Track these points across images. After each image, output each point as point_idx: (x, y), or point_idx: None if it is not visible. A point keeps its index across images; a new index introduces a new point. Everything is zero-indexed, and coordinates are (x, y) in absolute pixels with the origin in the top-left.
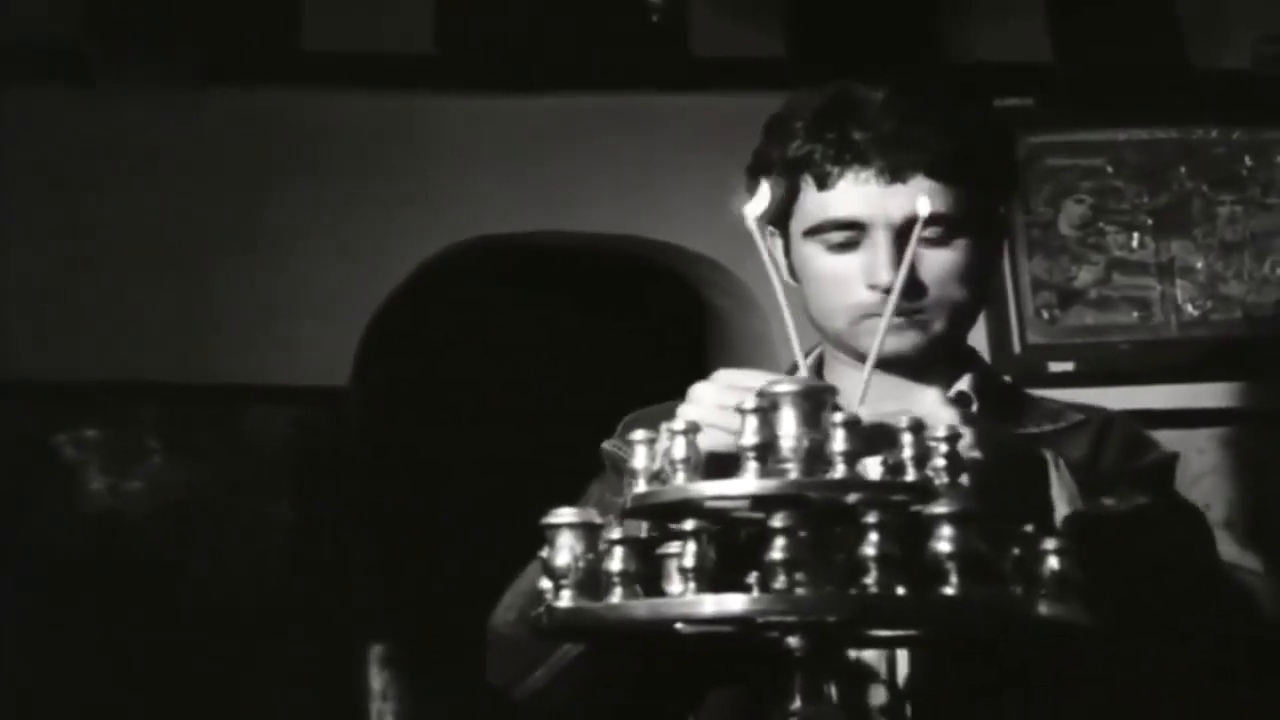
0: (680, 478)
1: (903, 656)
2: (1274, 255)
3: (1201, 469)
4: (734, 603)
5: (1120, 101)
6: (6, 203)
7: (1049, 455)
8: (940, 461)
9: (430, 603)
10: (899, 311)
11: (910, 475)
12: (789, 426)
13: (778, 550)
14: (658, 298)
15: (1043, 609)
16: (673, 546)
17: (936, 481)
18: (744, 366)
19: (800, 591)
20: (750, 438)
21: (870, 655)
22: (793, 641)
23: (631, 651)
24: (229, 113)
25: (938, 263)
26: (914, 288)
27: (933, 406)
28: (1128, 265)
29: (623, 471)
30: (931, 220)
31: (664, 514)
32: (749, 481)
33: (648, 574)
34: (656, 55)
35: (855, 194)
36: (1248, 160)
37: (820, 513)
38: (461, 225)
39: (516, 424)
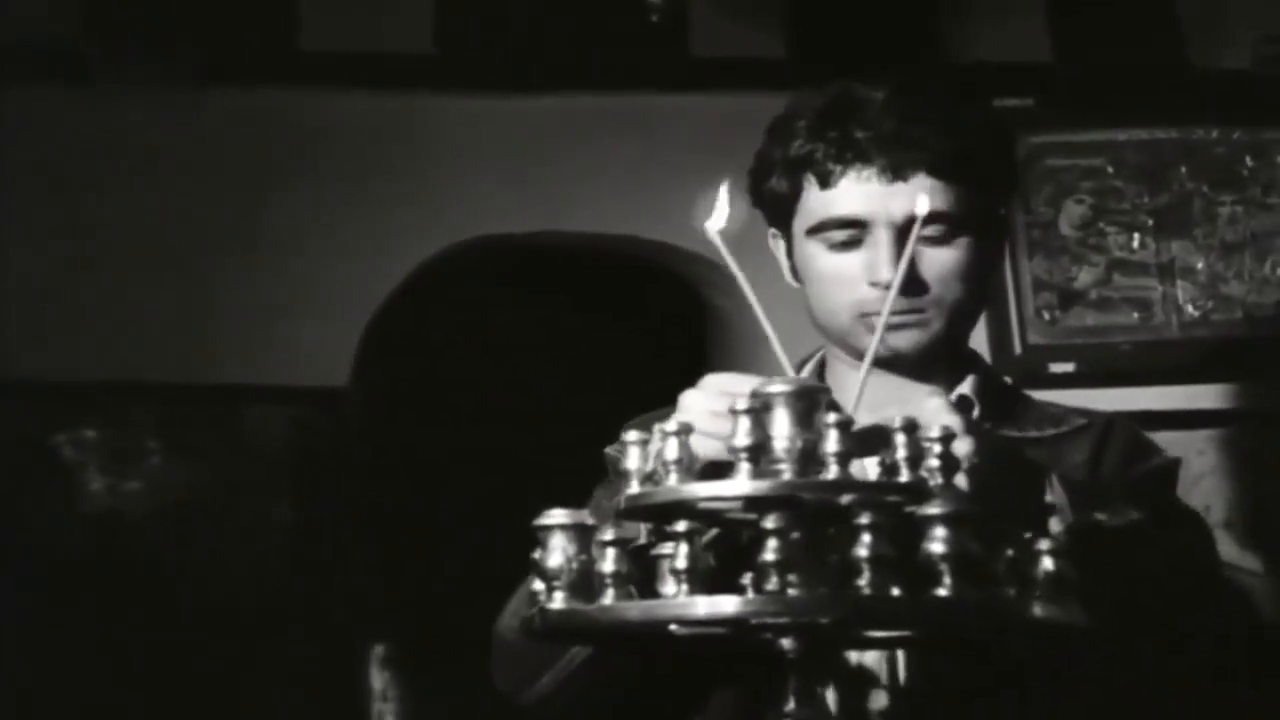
0: (673, 479)
1: (902, 660)
2: (1275, 255)
3: (1201, 470)
4: (727, 604)
5: (1120, 101)
6: (6, 203)
7: (1046, 468)
8: (934, 462)
9: (430, 603)
10: (899, 310)
11: (904, 476)
12: (782, 427)
13: (770, 551)
14: (657, 298)
15: (1037, 610)
16: (667, 548)
17: (931, 482)
18: (744, 367)
19: (793, 593)
20: (743, 439)
21: (869, 658)
22: (786, 643)
23: (634, 655)
24: (229, 113)
25: (938, 261)
26: (914, 286)
27: (934, 410)
28: (1128, 266)
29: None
30: (932, 219)
31: (657, 515)
32: (742, 483)
33: (642, 576)
34: (656, 55)
35: (857, 192)
36: (1248, 160)
37: (814, 514)
38: (461, 225)
39: (516, 424)
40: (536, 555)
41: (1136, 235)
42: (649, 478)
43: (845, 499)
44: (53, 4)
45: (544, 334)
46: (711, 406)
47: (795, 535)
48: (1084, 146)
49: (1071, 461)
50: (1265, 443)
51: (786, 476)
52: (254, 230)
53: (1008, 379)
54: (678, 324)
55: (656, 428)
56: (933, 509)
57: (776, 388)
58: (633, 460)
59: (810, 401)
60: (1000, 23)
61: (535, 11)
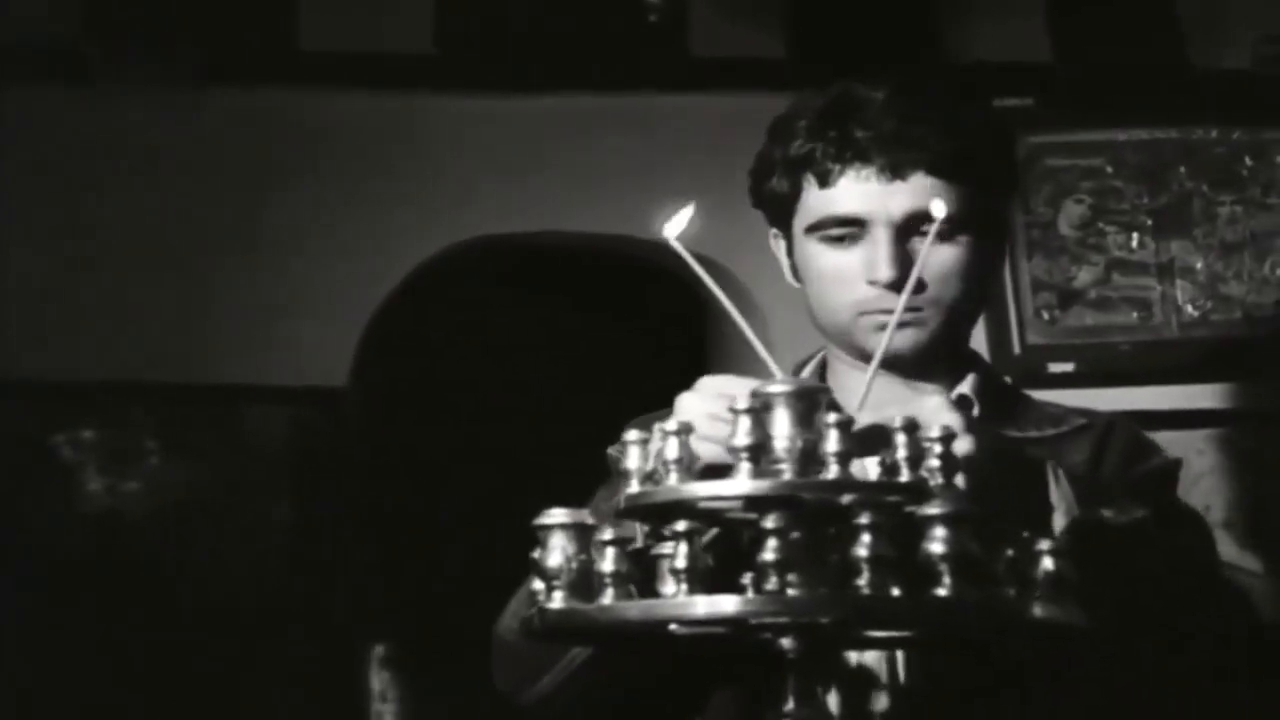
0: (673, 478)
1: (902, 660)
2: (1274, 256)
3: (1201, 469)
4: (726, 604)
5: (1120, 101)
6: (6, 203)
7: (1049, 463)
8: (935, 462)
9: (430, 603)
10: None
11: (904, 476)
12: (782, 427)
13: (770, 551)
14: (657, 298)
15: (1036, 610)
16: (667, 548)
17: (931, 482)
18: (744, 367)
19: (793, 592)
20: (743, 438)
21: (870, 659)
22: (786, 643)
23: (635, 656)
24: (229, 113)
25: (937, 260)
26: (914, 285)
27: (935, 410)
28: (1127, 266)
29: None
30: (933, 218)
31: (656, 515)
32: (742, 482)
33: (642, 576)
34: (656, 56)
35: (856, 191)
36: (1248, 160)
37: (814, 514)
38: (461, 225)
39: (516, 424)
40: (536, 555)
41: (1136, 235)
42: (649, 477)
43: (845, 499)
44: (53, 4)
45: (544, 334)
46: (709, 409)
47: (795, 535)
48: (1083, 146)
49: (1072, 462)
50: (1264, 442)
51: (786, 476)
52: (253, 230)
53: (1008, 379)
54: (677, 324)
55: (656, 427)
56: (933, 509)
57: (777, 387)
58: (632, 460)
59: (810, 401)
60: (1000, 22)
61: (535, 11)
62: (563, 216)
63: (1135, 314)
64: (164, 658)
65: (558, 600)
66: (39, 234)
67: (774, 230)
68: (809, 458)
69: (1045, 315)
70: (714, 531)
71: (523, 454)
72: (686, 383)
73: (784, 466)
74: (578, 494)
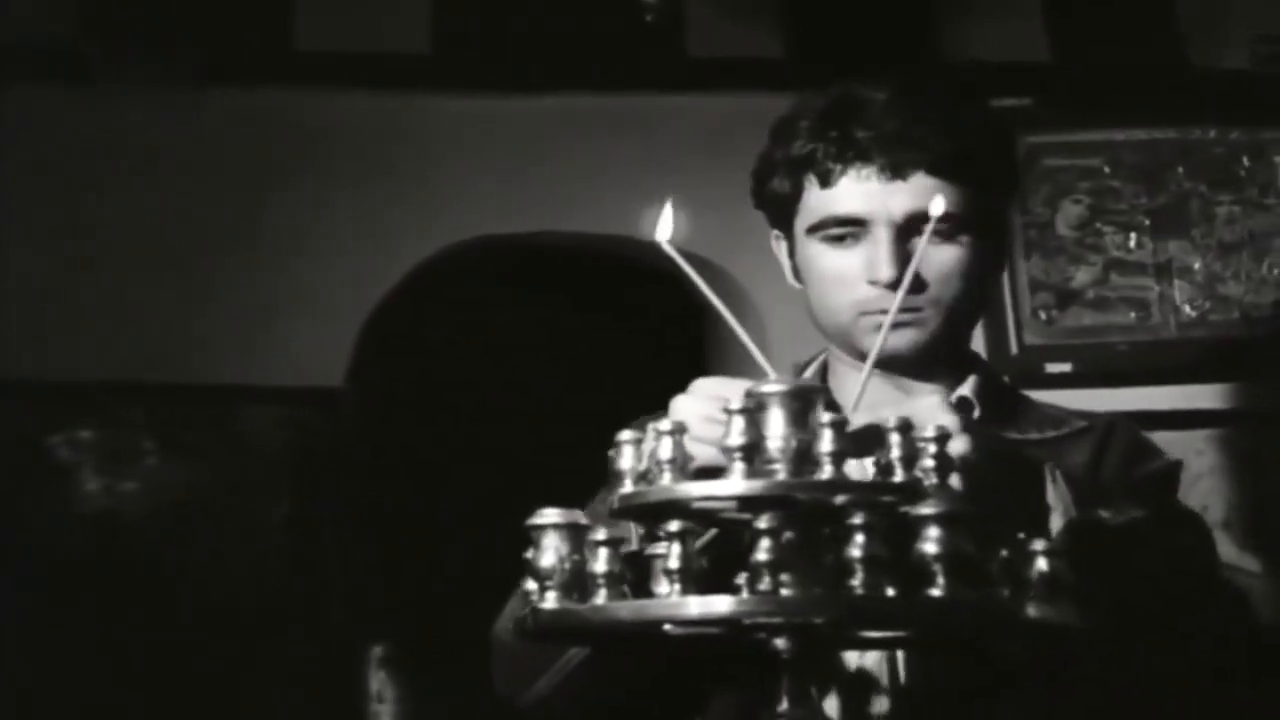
0: (666, 478)
1: (902, 661)
2: (1272, 256)
3: (1199, 470)
4: (719, 604)
5: (1118, 101)
6: (6, 203)
7: (1046, 465)
8: (929, 462)
9: (427, 603)
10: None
11: (899, 476)
12: (776, 427)
13: (764, 551)
14: (656, 298)
15: (1031, 610)
16: (661, 548)
17: (925, 482)
18: (742, 367)
19: (786, 593)
20: (737, 438)
21: (869, 660)
22: (780, 643)
23: (631, 657)
24: (228, 113)
25: (938, 260)
26: (914, 284)
27: (930, 410)
28: (1125, 266)
29: None
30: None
31: (650, 515)
32: (735, 482)
33: (638, 577)
34: (654, 56)
35: (857, 191)
36: (1246, 160)
37: (808, 514)
38: (459, 225)
39: (515, 424)
40: (529, 555)
41: (1134, 235)
42: (642, 477)
43: (839, 499)
44: (52, 4)
45: (542, 334)
46: (703, 411)
47: (789, 535)
48: (1081, 146)
49: (1072, 463)
50: (1263, 443)
51: (780, 476)
52: (251, 230)
53: (1008, 380)
54: (677, 324)
55: (650, 427)
56: (927, 509)
57: (771, 387)
58: (626, 459)
59: (805, 401)
60: (998, 22)
61: (532, 12)
62: (560, 216)
63: (1133, 314)
64: (161, 658)
65: (551, 600)
66: (38, 234)
67: (775, 231)
68: (803, 458)
69: (1043, 315)
70: (712, 533)
71: (521, 454)
72: (685, 383)
73: (778, 467)
74: (576, 494)
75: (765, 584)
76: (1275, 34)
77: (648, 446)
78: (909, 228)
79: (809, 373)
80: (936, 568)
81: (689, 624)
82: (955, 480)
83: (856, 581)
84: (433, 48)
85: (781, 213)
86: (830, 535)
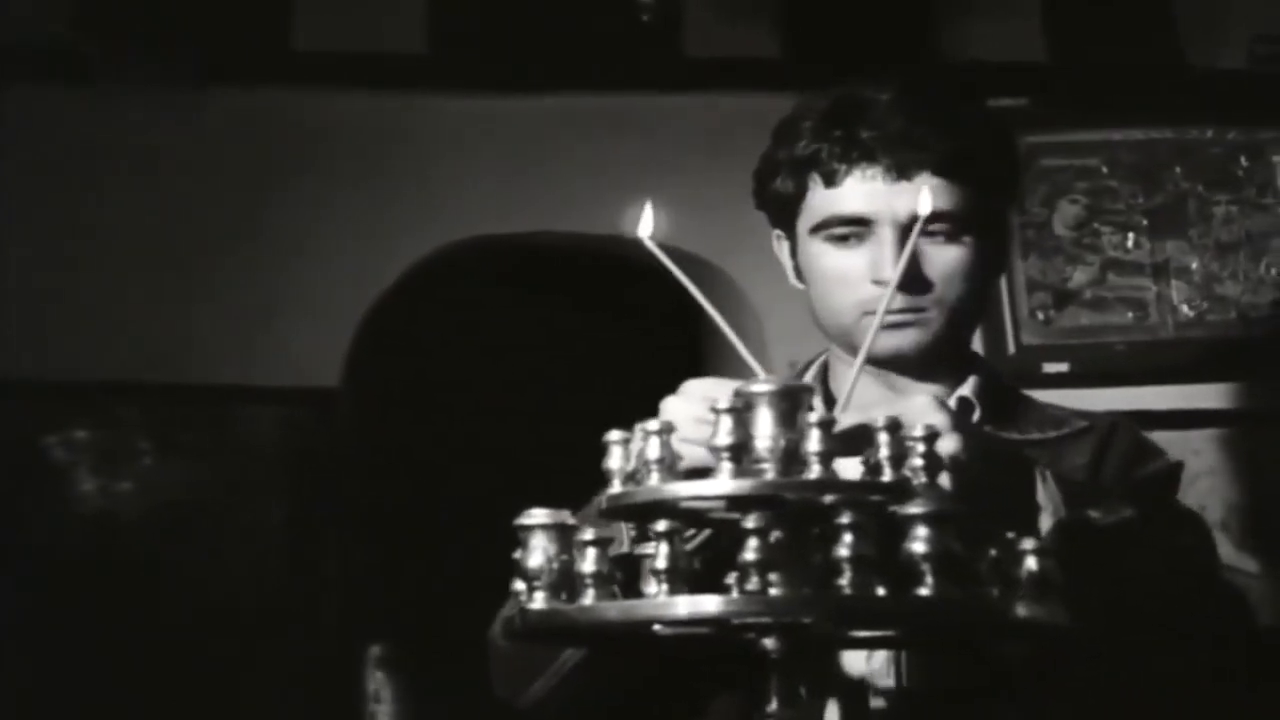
0: (654, 478)
1: (902, 661)
2: (1269, 256)
3: (1197, 470)
4: (708, 604)
5: (1116, 101)
6: (6, 203)
7: (1036, 464)
8: (918, 461)
9: (425, 603)
10: (900, 309)
11: (887, 475)
12: (765, 426)
13: (752, 551)
14: (654, 298)
15: (1019, 610)
16: (649, 548)
17: (914, 481)
18: (738, 368)
19: (775, 592)
20: (725, 438)
21: (868, 663)
22: (769, 643)
23: (626, 658)
24: (228, 113)
25: (941, 260)
26: (917, 284)
27: (921, 409)
28: (1123, 266)
29: None
30: (936, 218)
31: (638, 515)
32: (723, 482)
33: (628, 577)
34: (651, 56)
35: (861, 191)
36: (1243, 160)
37: (796, 513)
38: (457, 225)
39: (512, 424)
40: (517, 555)
41: (1131, 235)
42: (631, 477)
43: (827, 498)
44: (52, 4)
45: (539, 334)
46: (694, 412)
47: (777, 535)
48: (1079, 146)
49: (1072, 464)
50: (1261, 443)
51: (768, 476)
52: (249, 230)
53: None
54: (674, 324)
55: (638, 427)
56: (915, 508)
57: (759, 387)
58: (614, 460)
59: (793, 401)
60: (996, 22)
61: (531, 12)
62: (558, 216)
63: (1130, 314)
64: (160, 658)
65: (539, 601)
66: (38, 234)
67: (777, 231)
68: (791, 457)
69: (1040, 315)
70: (705, 533)
71: (517, 454)
72: (681, 383)
73: (766, 466)
74: (573, 494)
75: (754, 584)
76: (1273, 34)
77: (635, 446)
78: (913, 228)
79: (809, 373)
80: (925, 567)
81: (678, 624)
82: (944, 479)
83: (845, 581)
84: (431, 48)
85: (784, 213)
86: (819, 535)
